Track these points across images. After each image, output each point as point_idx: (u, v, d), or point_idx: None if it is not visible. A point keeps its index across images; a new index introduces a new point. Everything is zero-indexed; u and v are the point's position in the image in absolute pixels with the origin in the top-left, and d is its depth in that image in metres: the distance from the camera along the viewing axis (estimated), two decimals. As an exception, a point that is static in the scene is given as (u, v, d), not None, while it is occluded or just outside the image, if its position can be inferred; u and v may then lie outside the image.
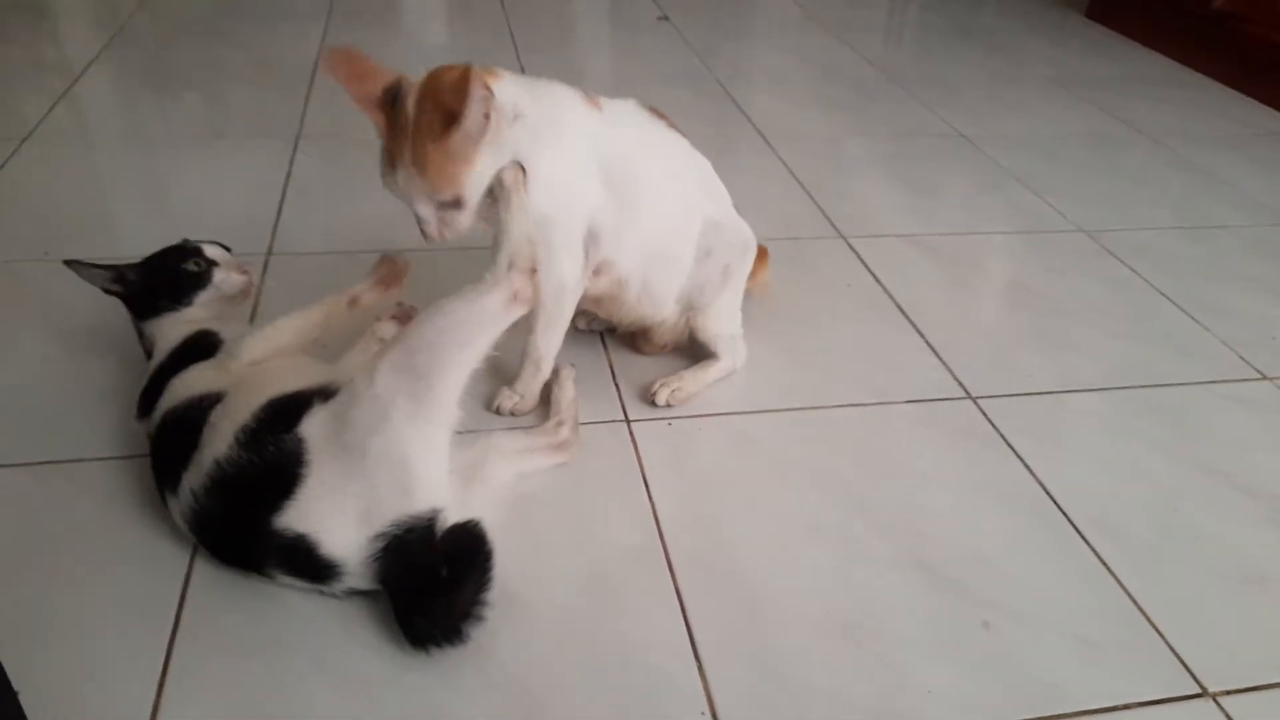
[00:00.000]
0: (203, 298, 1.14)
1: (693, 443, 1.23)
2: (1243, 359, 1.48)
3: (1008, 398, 1.35)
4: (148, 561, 0.99)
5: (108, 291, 1.15)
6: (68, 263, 1.13)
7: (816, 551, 1.07)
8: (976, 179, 2.04)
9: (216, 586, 0.97)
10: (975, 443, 1.26)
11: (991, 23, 3.21)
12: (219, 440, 0.94)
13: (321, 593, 0.95)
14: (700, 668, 0.93)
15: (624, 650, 0.94)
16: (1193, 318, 1.58)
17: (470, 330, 0.94)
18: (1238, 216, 1.95)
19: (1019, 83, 2.65)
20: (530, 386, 1.22)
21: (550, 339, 1.20)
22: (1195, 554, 1.11)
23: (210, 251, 1.17)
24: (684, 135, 1.24)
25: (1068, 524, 1.14)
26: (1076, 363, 1.44)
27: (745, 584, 1.03)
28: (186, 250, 1.17)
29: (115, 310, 1.17)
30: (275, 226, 1.64)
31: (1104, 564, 1.08)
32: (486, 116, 1.00)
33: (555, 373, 1.24)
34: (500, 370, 1.20)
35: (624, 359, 1.37)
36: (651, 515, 1.10)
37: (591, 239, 1.14)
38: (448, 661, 0.91)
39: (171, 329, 1.12)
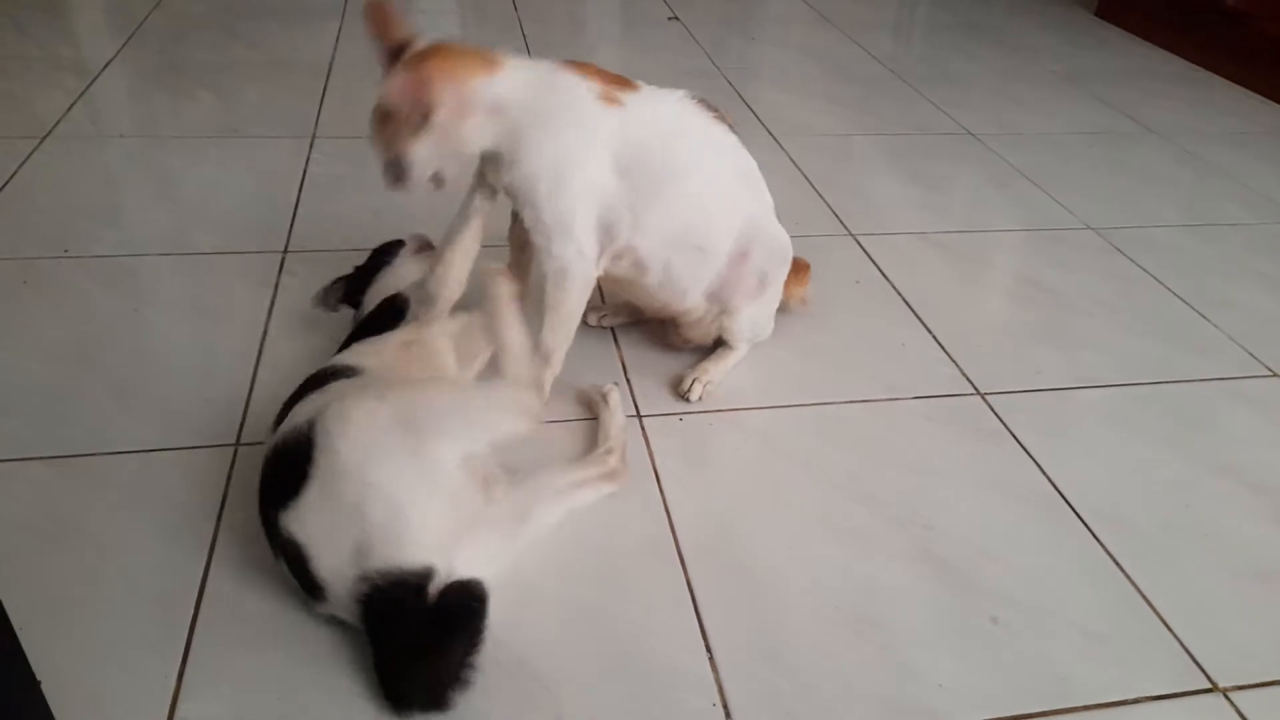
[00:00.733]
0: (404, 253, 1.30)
1: (704, 438, 1.24)
2: (1252, 355, 1.48)
3: (1016, 394, 1.35)
4: (167, 553, 1.01)
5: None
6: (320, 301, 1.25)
7: (826, 545, 1.08)
8: (985, 176, 2.05)
9: (236, 578, 0.99)
10: (984, 438, 1.27)
11: (1001, 20, 3.20)
12: (305, 412, 0.94)
13: (314, 608, 0.93)
14: (711, 659, 0.94)
15: (636, 641, 0.95)
16: (1202, 314, 1.58)
17: (463, 425, 0.94)
18: (1247, 213, 1.95)
19: (1028, 80, 2.65)
20: (541, 381, 1.23)
21: (558, 331, 1.18)
22: (1204, 550, 1.12)
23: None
24: (735, 130, 1.23)
25: (1077, 519, 1.14)
26: (1085, 359, 1.44)
27: (756, 577, 1.04)
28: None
29: (134, 307, 1.18)
30: (292, 224, 1.65)
31: (1113, 559, 1.09)
32: (427, 110, 1.05)
33: (604, 397, 1.23)
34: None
35: (635, 355, 1.38)
36: (663, 509, 1.11)
37: (604, 230, 1.15)
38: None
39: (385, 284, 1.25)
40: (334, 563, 0.88)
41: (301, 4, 2.81)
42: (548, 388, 1.23)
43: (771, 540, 1.09)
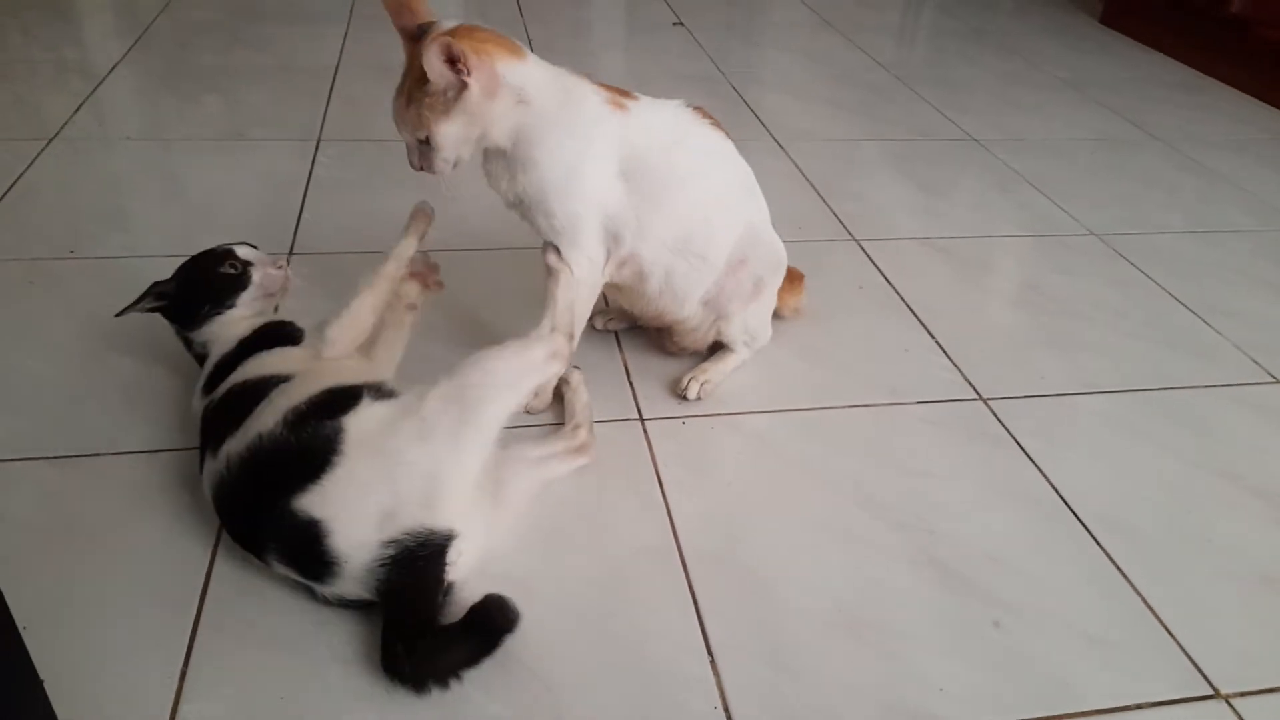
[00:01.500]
0: (245, 298, 1.16)
1: (706, 441, 1.24)
2: (1255, 362, 1.48)
3: (1019, 399, 1.35)
4: (171, 554, 1.01)
5: (152, 310, 1.16)
6: (119, 315, 1.15)
7: (828, 549, 1.08)
8: (988, 181, 2.05)
9: (238, 579, 0.99)
10: (986, 444, 1.27)
11: (1004, 26, 3.21)
12: (269, 416, 0.97)
13: (312, 592, 0.95)
14: (713, 662, 0.94)
15: (638, 644, 0.96)
16: (1205, 321, 1.58)
17: (515, 375, 1.00)
18: (1250, 220, 1.95)
19: (1031, 85, 2.65)
20: (544, 385, 1.23)
21: (560, 323, 1.19)
22: (1207, 555, 1.12)
23: (242, 252, 1.19)
24: (729, 138, 1.25)
25: (1079, 525, 1.14)
26: (1088, 365, 1.44)
27: (758, 580, 1.04)
28: (219, 254, 1.18)
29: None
30: (297, 226, 1.66)
31: (1115, 564, 1.09)
32: (463, 83, 1.04)
33: (566, 378, 1.25)
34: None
35: (638, 358, 1.38)
36: (665, 512, 1.12)
37: (611, 237, 1.16)
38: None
39: (225, 330, 1.14)
40: (357, 533, 0.91)
41: (307, 8, 2.83)
42: (551, 388, 1.25)
43: (773, 544, 1.09)
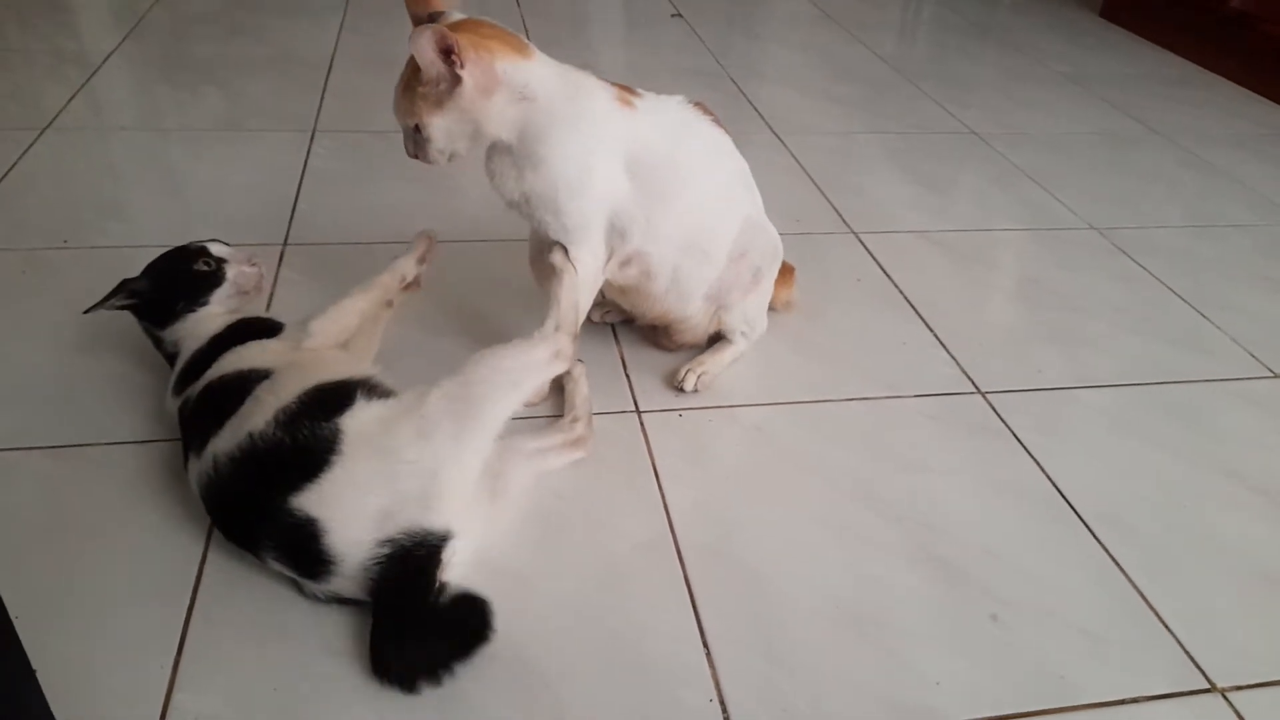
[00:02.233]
0: (219, 295, 1.15)
1: (703, 434, 1.24)
2: (1254, 357, 1.48)
3: (1018, 393, 1.35)
4: (164, 544, 1.01)
5: (123, 307, 1.15)
6: (87, 312, 1.14)
7: (825, 543, 1.08)
8: (988, 175, 2.04)
9: (231, 571, 0.98)
10: (985, 438, 1.26)
11: (1006, 20, 3.20)
12: (259, 414, 0.96)
13: (304, 590, 0.95)
14: (709, 655, 0.94)
15: (634, 637, 0.95)
16: (1205, 315, 1.58)
17: (518, 375, 1.01)
18: (1251, 216, 1.95)
19: (1032, 80, 2.65)
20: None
21: (564, 322, 1.17)
22: (1205, 550, 1.11)
23: (216, 249, 1.18)
24: (728, 133, 1.24)
25: (1076, 519, 1.14)
26: (1087, 359, 1.44)
27: (754, 574, 1.03)
28: (191, 251, 1.17)
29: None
30: (292, 217, 1.65)
31: (1113, 559, 1.09)
32: (455, 77, 1.03)
33: (568, 370, 1.24)
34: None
35: (635, 350, 1.38)
36: (662, 505, 1.11)
37: (615, 233, 1.16)
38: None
39: (198, 327, 1.13)
40: (353, 532, 0.90)
41: (304, -1, 2.81)
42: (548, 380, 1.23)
43: (770, 537, 1.08)
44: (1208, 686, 0.95)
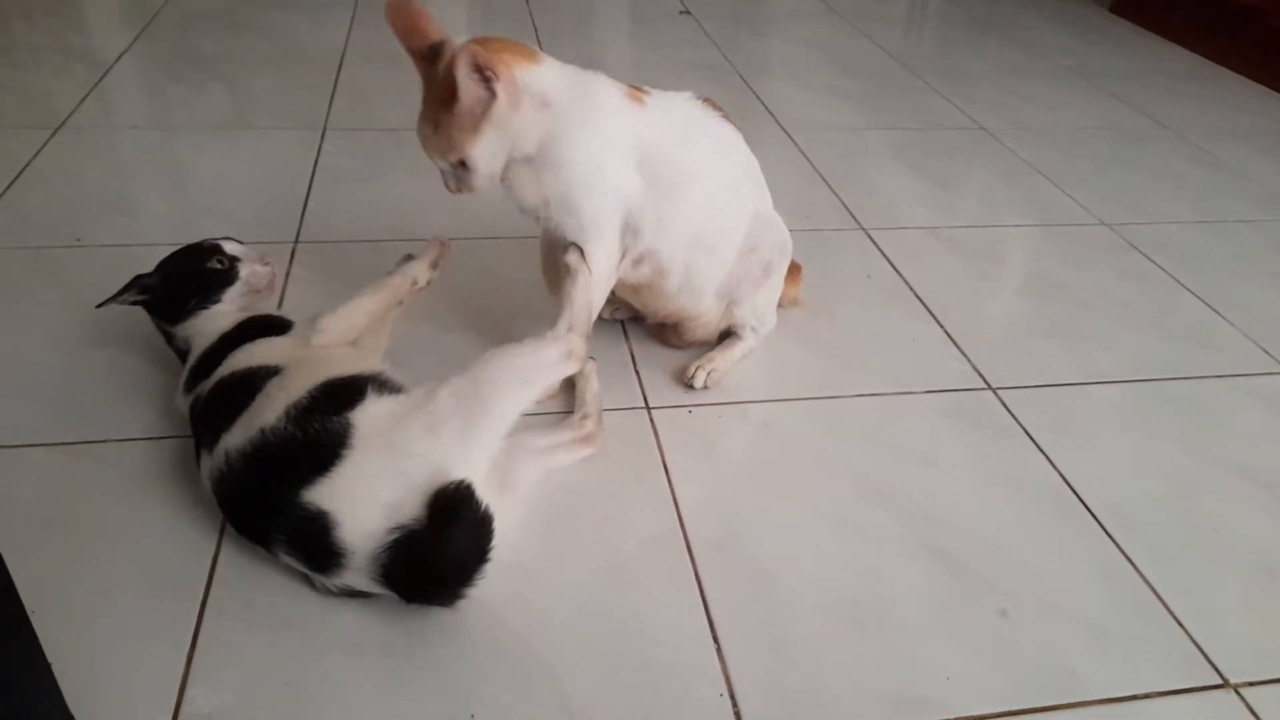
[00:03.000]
0: (231, 294, 1.16)
1: (713, 430, 1.24)
2: (1265, 352, 1.47)
3: (1027, 389, 1.35)
4: (177, 539, 1.01)
5: (135, 303, 1.16)
6: (99, 306, 1.15)
7: (834, 538, 1.08)
8: (996, 171, 2.04)
9: (244, 564, 0.99)
10: (995, 433, 1.26)
11: (1011, 15, 3.19)
12: (270, 410, 0.97)
13: (315, 584, 0.95)
14: (719, 650, 0.94)
15: (643, 631, 0.95)
16: (1215, 311, 1.57)
17: (529, 374, 1.01)
18: (1260, 211, 1.94)
19: (1039, 75, 2.64)
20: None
21: (578, 322, 1.17)
22: (1215, 545, 1.11)
23: (229, 247, 1.19)
24: (738, 129, 1.24)
25: (1087, 514, 1.14)
26: (1097, 355, 1.44)
27: (763, 569, 1.04)
28: (205, 249, 1.18)
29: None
30: (303, 214, 1.65)
31: (1123, 554, 1.09)
32: (492, 94, 1.02)
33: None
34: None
35: (645, 347, 1.38)
36: (671, 500, 1.11)
37: (629, 231, 1.15)
38: (467, 638, 0.92)
39: (209, 324, 1.14)
40: (364, 523, 0.91)
41: (313, -4, 2.82)
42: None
43: (779, 532, 1.08)
44: (1220, 682, 0.95)
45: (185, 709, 0.85)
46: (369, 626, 0.93)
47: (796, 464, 1.19)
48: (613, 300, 1.39)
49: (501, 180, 1.14)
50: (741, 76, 2.45)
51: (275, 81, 2.22)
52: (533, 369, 1.02)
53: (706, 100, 1.21)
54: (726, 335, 1.34)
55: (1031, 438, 1.25)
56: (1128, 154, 2.17)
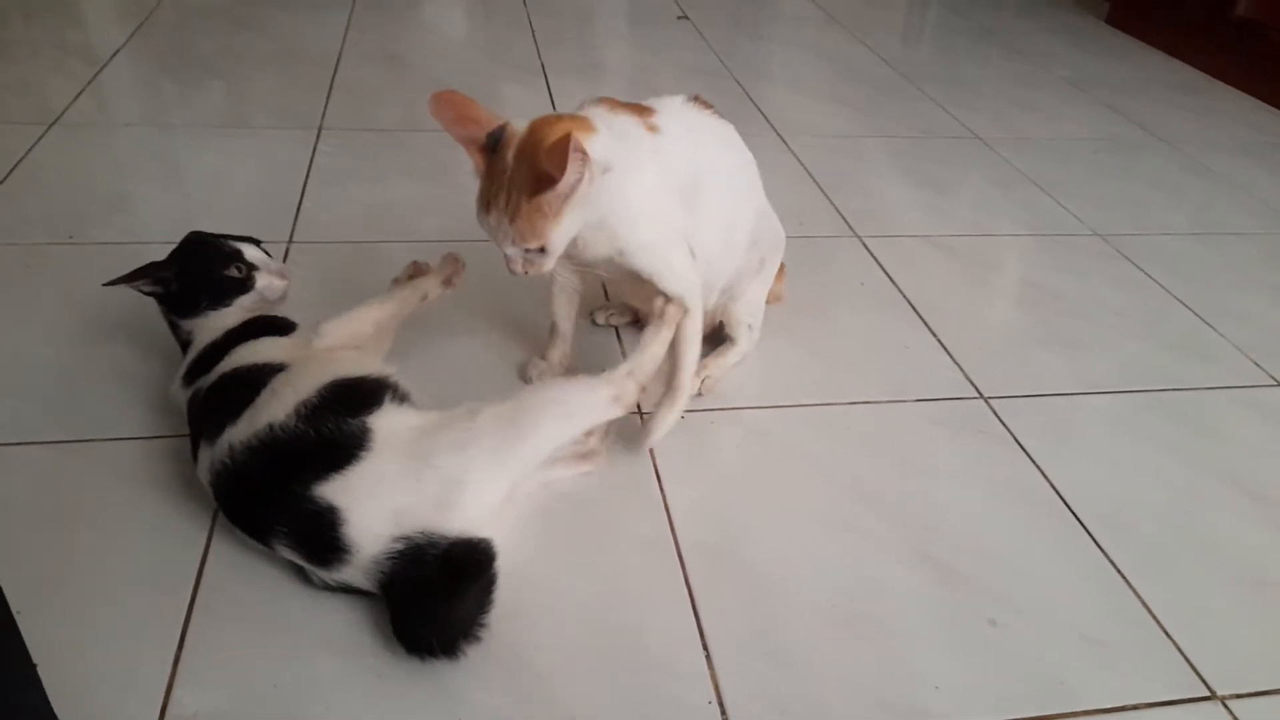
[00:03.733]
0: (244, 301, 1.15)
1: (705, 436, 1.24)
2: (1257, 365, 1.48)
3: (1020, 398, 1.35)
4: (166, 540, 1.01)
5: (149, 294, 1.15)
6: (107, 285, 1.13)
7: (826, 545, 1.08)
8: (992, 180, 2.04)
9: (232, 564, 0.99)
10: (986, 442, 1.26)
11: (1011, 25, 3.20)
12: (278, 406, 0.97)
13: (310, 578, 0.95)
14: (708, 656, 0.94)
15: (633, 637, 0.95)
16: (1208, 323, 1.57)
17: (574, 409, 1.02)
18: (1254, 223, 1.95)
19: (1037, 85, 2.65)
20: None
21: (695, 349, 1.16)
22: (1205, 557, 1.11)
23: (250, 254, 1.17)
24: (729, 123, 1.23)
25: (1077, 524, 1.14)
26: (1089, 364, 1.44)
27: (754, 576, 1.04)
28: (227, 253, 1.16)
29: (138, 297, 1.18)
30: (297, 214, 1.65)
31: (1113, 564, 1.09)
32: (580, 177, 0.99)
33: None
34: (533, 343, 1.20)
35: (638, 352, 1.38)
36: (663, 506, 1.11)
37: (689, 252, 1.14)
38: (459, 644, 0.92)
39: (215, 323, 1.13)
40: (372, 523, 0.91)
41: (311, -5, 2.82)
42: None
43: (771, 539, 1.08)
44: (1208, 694, 0.95)
45: (172, 709, 0.85)
46: (358, 628, 0.93)
47: (789, 470, 1.19)
48: (605, 305, 1.39)
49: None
50: (738, 81, 2.45)
51: (271, 80, 2.21)
52: (578, 405, 1.02)
53: (696, 98, 1.21)
54: (719, 339, 1.34)
55: (1023, 447, 1.25)
56: (1123, 165, 2.18)
